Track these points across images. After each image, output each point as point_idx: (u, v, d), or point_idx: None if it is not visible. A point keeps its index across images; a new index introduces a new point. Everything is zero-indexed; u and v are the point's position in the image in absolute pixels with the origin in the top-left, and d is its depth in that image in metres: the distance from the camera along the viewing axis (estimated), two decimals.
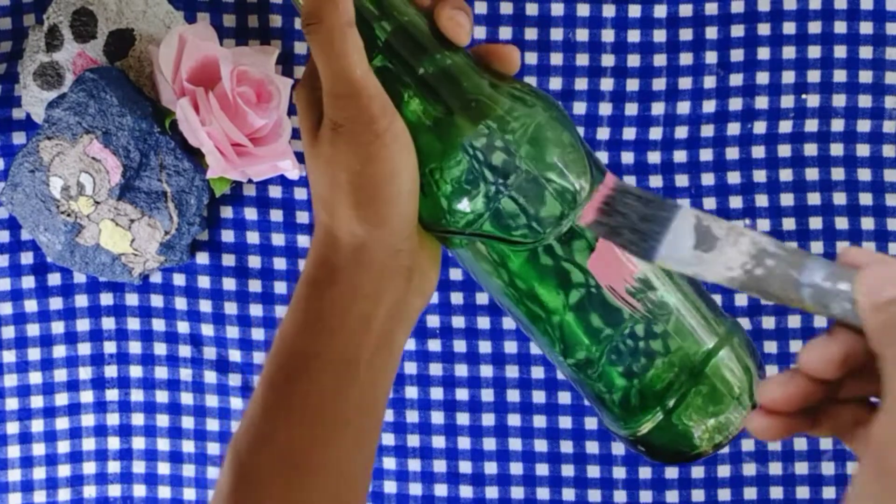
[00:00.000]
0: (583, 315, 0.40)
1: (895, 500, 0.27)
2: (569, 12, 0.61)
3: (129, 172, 0.60)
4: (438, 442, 0.62)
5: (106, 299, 0.63)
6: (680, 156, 0.61)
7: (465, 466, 0.62)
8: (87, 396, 0.63)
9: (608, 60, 0.61)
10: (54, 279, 0.63)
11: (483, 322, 0.62)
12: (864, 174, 0.61)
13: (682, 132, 0.61)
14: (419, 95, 0.39)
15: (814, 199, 0.61)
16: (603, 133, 0.61)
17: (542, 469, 0.61)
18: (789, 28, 0.61)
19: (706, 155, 0.61)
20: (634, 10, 0.61)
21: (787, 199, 0.61)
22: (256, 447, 0.37)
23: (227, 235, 0.63)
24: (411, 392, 0.62)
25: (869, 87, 0.61)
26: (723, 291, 0.61)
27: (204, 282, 0.63)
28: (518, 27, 0.61)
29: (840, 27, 0.61)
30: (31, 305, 0.63)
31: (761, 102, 0.61)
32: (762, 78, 0.61)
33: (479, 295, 0.62)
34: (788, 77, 0.61)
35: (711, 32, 0.61)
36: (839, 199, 0.61)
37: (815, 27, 0.61)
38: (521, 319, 0.42)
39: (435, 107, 0.39)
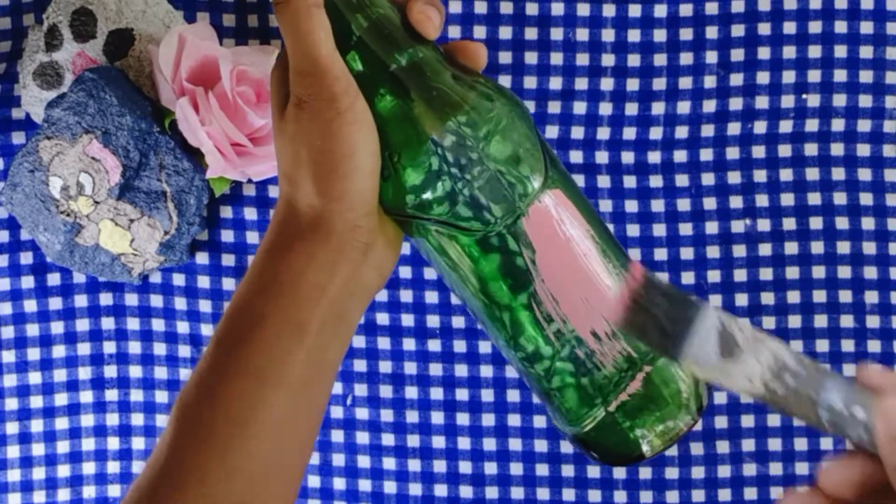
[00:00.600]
0: (531, 310, 0.41)
1: None
2: (569, 12, 0.61)
3: (129, 172, 0.60)
4: (438, 442, 0.62)
5: (105, 299, 0.63)
6: (680, 156, 0.61)
7: (465, 466, 0.62)
8: (86, 396, 0.63)
9: (608, 60, 0.61)
10: (54, 279, 0.63)
11: None
12: (865, 174, 0.61)
13: (682, 132, 0.61)
14: (386, 84, 0.41)
15: (814, 198, 0.61)
16: (603, 133, 0.61)
17: (542, 469, 0.61)
18: (789, 28, 0.61)
19: (706, 155, 0.61)
20: (634, 10, 0.61)
21: (787, 199, 0.61)
22: (201, 399, 0.38)
23: (227, 235, 0.63)
24: (411, 392, 0.62)
25: (869, 86, 0.61)
26: (722, 291, 0.61)
27: (204, 282, 0.63)
28: (518, 27, 0.61)
29: (840, 27, 0.61)
30: (30, 305, 0.63)
31: (761, 102, 0.61)
32: (762, 78, 0.61)
33: None
34: (789, 77, 0.61)
35: (712, 32, 0.61)
36: (839, 198, 0.61)
37: (815, 27, 0.61)
38: (474, 311, 0.43)
39: (400, 96, 0.41)
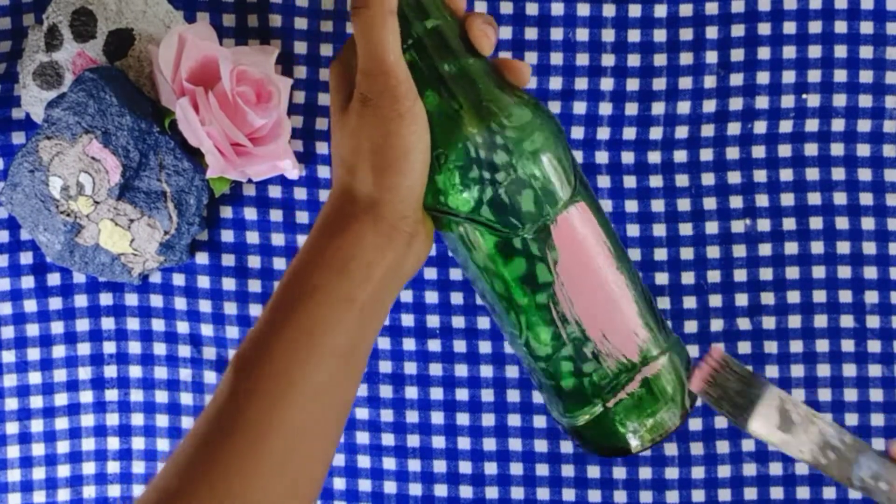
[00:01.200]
0: (547, 310, 0.46)
1: None
2: (569, 12, 0.61)
3: (129, 172, 0.60)
4: (438, 442, 0.62)
5: (105, 299, 0.63)
6: (680, 156, 0.61)
7: (465, 466, 0.62)
8: (86, 396, 0.63)
9: (608, 60, 0.61)
10: (54, 279, 0.63)
11: (483, 322, 0.62)
12: (865, 174, 0.61)
13: (682, 132, 0.61)
14: (439, 88, 0.45)
15: (814, 199, 0.61)
16: (603, 133, 0.61)
17: (542, 469, 0.61)
18: (789, 28, 0.61)
19: (706, 155, 0.61)
20: (634, 10, 0.61)
21: (787, 199, 0.61)
22: (259, 354, 0.41)
23: (227, 235, 0.63)
24: (411, 392, 0.62)
25: (869, 86, 0.61)
26: (722, 291, 0.61)
27: (204, 282, 0.63)
28: (518, 27, 0.61)
29: (840, 27, 0.61)
30: (30, 305, 0.63)
31: (761, 102, 0.61)
32: (762, 78, 0.61)
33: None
34: (789, 77, 0.61)
35: (711, 32, 0.61)
36: (839, 198, 0.61)
37: (815, 27, 0.61)
38: (490, 303, 0.48)
39: (451, 101, 0.45)
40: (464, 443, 0.62)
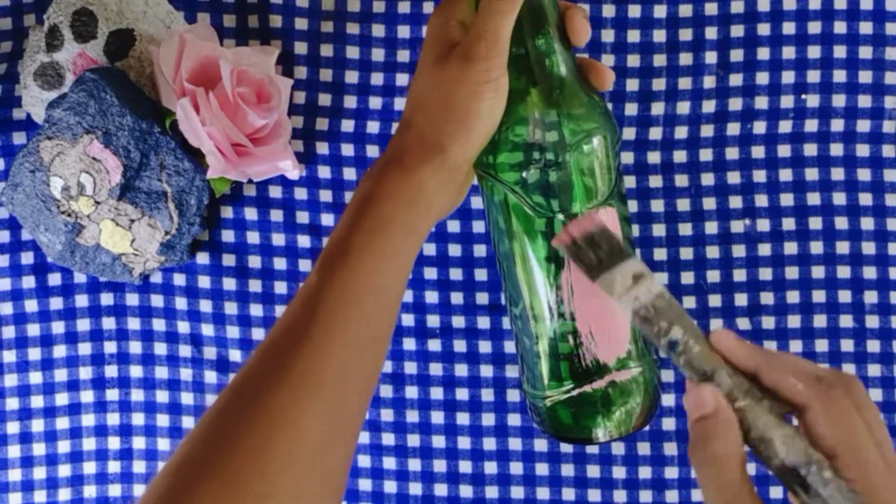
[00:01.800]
0: (551, 289, 0.48)
1: None
2: None
3: (130, 172, 0.60)
4: (438, 442, 0.62)
5: (106, 299, 0.63)
6: (680, 156, 0.61)
7: (465, 466, 0.62)
8: (87, 396, 0.63)
9: (608, 60, 0.61)
10: (54, 279, 0.63)
11: (483, 322, 0.62)
12: (864, 174, 0.61)
13: (681, 132, 0.61)
14: (525, 65, 0.48)
15: (813, 199, 0.61)
16: None
17: (542, 469, 0.61)
18: (789, 28, 0.61)
19: (706, 155, 0.61)
20: (634, 11, 0.61)
21: (786, 199, 0.61)
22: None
23: (228, 235, 0.63)
24: (411, 392, 0.62)
25: (869, 87, 0.61)
26: (722, 291, 0.61)
27: (204, 282, 0.63)
28: None
29: (840, 27, 0.61)
30: (31, 305, 0.63)
31: (761, 102, 0.61)
32: (762, 78, 0.61)
33: (479, 295, 0.62)
34: (788, 77, 0.61)
35: (711, 32, 0.61)
36: (839, 199, 0.61)
37: (814, 27, 0.61)
38: (502, 265, 0.51)
39: (530, 78, 0.48)
40: (464, 442, 0.62)
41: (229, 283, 0.63)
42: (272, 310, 0.62)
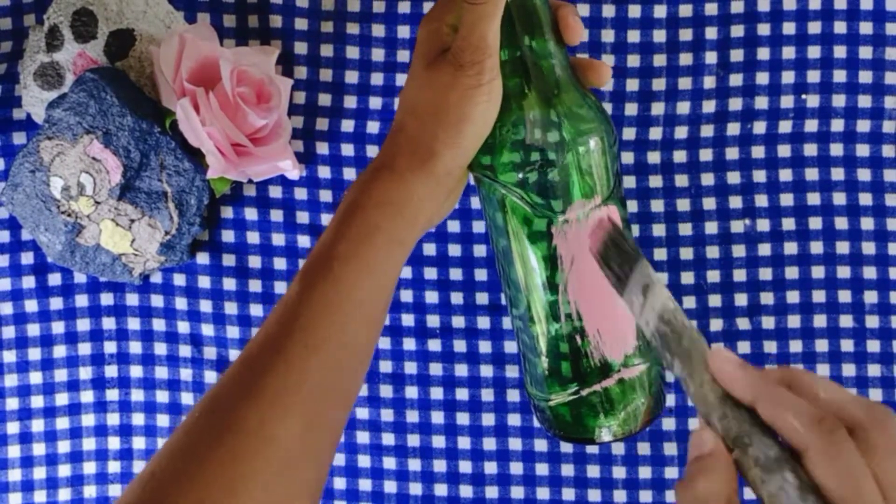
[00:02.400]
0: (555, 292, 0.48)
1: None
2: None
3: (130, 172, 0.60)
4: (438, 442, 0.62)
5: (106, 299, 0.63)
6: (680, 156, 0.61)
7: (465, 466, 0.62)
8: (87, 396, 0.63)
9: (608, 60, 0.61)
10: (54, 279, 0.63)
11: (483, 322, 0.62)
12: (864, 174, 0.61)
13: (681, 132, 0.61)
14: (519, 66, 0.47)
15: (813, 199, 0.61)
16: None
17: (541, 469, 0.61)
18: (789, 28, 0.61)
19: (706, 155, 0.61)
20: (634, 11, 0.61)
21: (786, 199, 0.61)
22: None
23: (228, 235, 0.63)
24: (411, 392, 0.62)
25: (869, 87, 0.61)
26: (722, 291, 0.61)
27: (204, 282, 0.63)
28: None
29: (840, 27, 0.61)
30: (31, 305, 0.63)
31: (761, 102, 0.61)
32: (762, 78, 0.61)
33: (479, 295, 0.62)
34: (788, 77, 0.61)
35: (711, 33, 0.61)
36: (839, 199, 0.61)
37: (814, 27, 0.61)
38: (502, 262, 0.50)
39: (524, 78, 0.47)
40: (464, 442, 0.62)
41: (229, 283, 0.63)
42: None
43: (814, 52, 0.61)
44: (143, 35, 0.61)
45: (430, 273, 0.62)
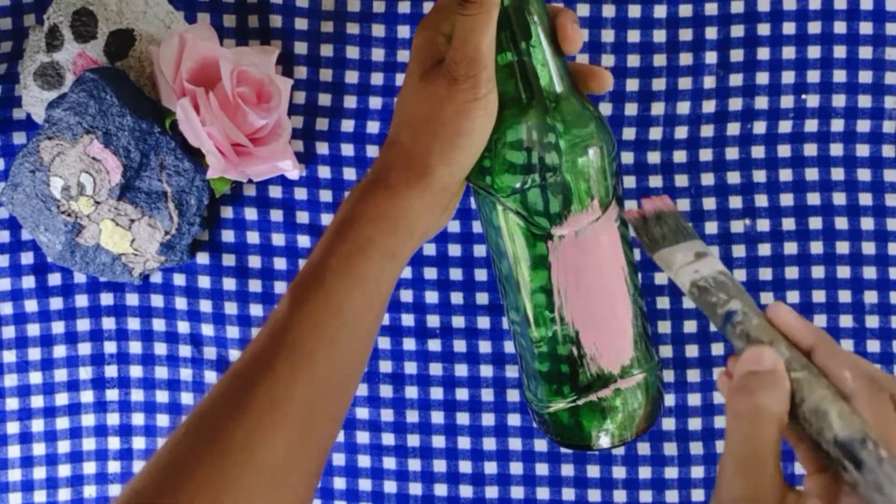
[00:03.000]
0: (552, 303, 0.48)
1: None
2: None
3: (130, 172, 0.60)
4: (438, 442, 0.62)
5: (106, 299, 0.63)
6: (680, 156, 0.61)
7: (465, 466, 0.62)
8: (87, 396, 0.63)
9: (608, 60, 0.61)
10: (54, 279, 0.63)
11: (483, 322, 0.62)
12: (864, 174, 0.61)
13: (681, 132, 0.61)
14: (516, 76, 0.46)
15: (813, 199, 0.61)
16: None
17: (541, 469, 0.61)
18: (789, 28, 0.61)
19: (706, 155, 0.61)
20: (634, 11, 0.61)
21: (786, 199, 0.61)
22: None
23: (228, 235, 0.63)
24: (411, 392, 0.62)
25: (869, 87, 0.61)
26: None
27: (204, 282, 0.63)
28: None
29: (840, 27, 0.61)
30: (31, 305, 0.63)
31: (761, 102, 0.61)
32: (762, 78, 0.61)
33: (479, 295, 0.62)
34: (788, 77, 0.61)
35: (711, 32, 0.61)
36: (839, 199, 0.61)
37: (814, 27, 0.61)
38: (500, 272, 0.50)
39: (521, 88, 0.46)
40: (464, 442, 0.62)
41: (229, 283, 0.63)
42: (272, 310, 0.62)
43: (814, 52, 0.61)
44: (143, 35, 0.61)
45: (430, 273, 0.62)
